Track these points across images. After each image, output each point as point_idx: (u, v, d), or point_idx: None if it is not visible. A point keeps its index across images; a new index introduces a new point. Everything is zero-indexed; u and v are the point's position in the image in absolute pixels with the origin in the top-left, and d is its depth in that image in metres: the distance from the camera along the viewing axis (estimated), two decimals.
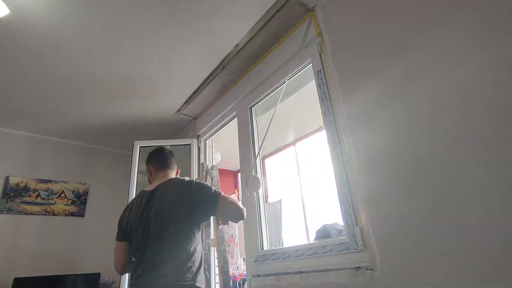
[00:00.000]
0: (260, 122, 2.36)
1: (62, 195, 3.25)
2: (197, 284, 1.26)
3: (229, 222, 1.70)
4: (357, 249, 1.35)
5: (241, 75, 2.46)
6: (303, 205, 3.28)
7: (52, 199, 3.18)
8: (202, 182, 1.47)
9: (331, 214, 2.45)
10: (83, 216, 3.29)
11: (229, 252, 3.34)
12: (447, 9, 1.20)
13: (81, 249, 3.08)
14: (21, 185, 3.03)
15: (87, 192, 3.40)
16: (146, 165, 1.61)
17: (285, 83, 2.00)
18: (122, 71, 2.37)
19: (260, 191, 2.08)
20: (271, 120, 2.01)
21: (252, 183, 2.06)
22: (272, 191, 3.63)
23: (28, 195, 3.04)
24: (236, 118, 2.48)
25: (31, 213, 3.01)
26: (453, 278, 1.03)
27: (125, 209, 1.53)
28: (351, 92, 1.53)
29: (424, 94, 1.22)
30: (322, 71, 1.72)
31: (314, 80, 1.79)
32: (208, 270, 1.77)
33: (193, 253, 1.30)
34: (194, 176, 2.81)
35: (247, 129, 2.29)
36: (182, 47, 2.15)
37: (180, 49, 2.17)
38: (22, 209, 2.97)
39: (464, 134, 1.08)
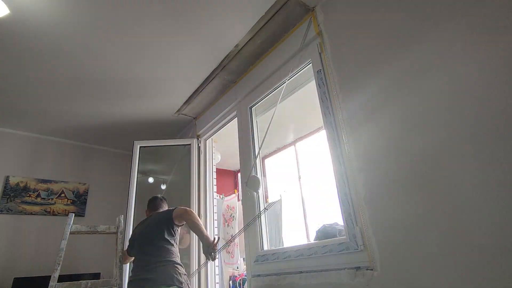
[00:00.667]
0: (260, 122, 2.36)
1: (62, 195, 3.25)
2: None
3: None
4: (357, 249, 1.35)
5: (241, 75, 2.46)
6: (303, 205, 3.28)
7: (52, 199, 3.18)
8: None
9: (331, 214, 2.45)
10: (83, 216, 3.29)
11: (229, 252, 3.34)
12: (447, 9, 1.20)
13: (81, 249, 3.07)
14: (21, 185, 3.03)
15: (87, 192, 3.40)
16: (146, 208, 2.22)
17: (285, 83, 2.00)
18: (122, 71, 2.38)
19: (260, 191, 2.08)
20: (271, 120, 2.01)
21: (252, 183, 2.06)
22: (272, 191, 3.63)
23: (28, 195, 3.04)
24: (236, 118, 2.48)
25: (31, 213, 3.01)
26: (453, 278, 1.03)
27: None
28: (351, 92, 1.53)
29: (424, 94, 1.22)
30: (322, 71, 1.72)
31: (314, 80, 1.79)
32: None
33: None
34: (195, 175, 2.80)
35: (247, 129, 2.29)
36: (182, 47, 2.15)
37: (180, 49, 2.17)
38: (22, 209, 2.97)
39: (464, 133, 1.08)
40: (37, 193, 3.10)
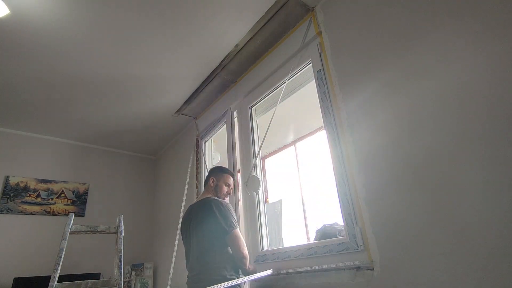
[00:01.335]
0: (260, 122, 2.36)
1: (62, 195, 3.25)
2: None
3: None
4: (357, 249, 1.35)
5: (241, 75, 2.46)
6: (303, 205, 3.27)
7: (52, 199, 3.17)
8: (220, 205, 1.69)
9: (331, 214, 2.45)
10: (83, 216, 3.29)
11: None
12: (447, 9, 1.20)
13: (81, 249, 3.07)
14: (21, 185, 3.03)
15: (87, 192, 3.40)
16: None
17: (285, 83, 2.00)
18: (122, 72, 2.38)
19: (260, 191, 2.08)
20: (271, 120, 2.01)
21: (252, 183, 2.06)
22: (272, 191, 3.63)
23: (28, 195, 3.04)
24: (236, 118, 2.48)
25: (31, 213, 3.01)
26: (453, 278, 1.02)
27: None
28: (351, 92, 1.53)
29: (424, 94, 1.22)
30: (322, 71, 1.72)
31: (314, 80, 1.79)
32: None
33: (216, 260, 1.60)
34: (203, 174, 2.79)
35: (247, 129, 2.29)
36: (182, 47, 2.15)
37: (180, 49, 2.17)
38: (22, 209, 2.97)
39: (464, 133, 1.08)
40: (37, 193, 3.10)
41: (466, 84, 1.10)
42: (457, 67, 1.14)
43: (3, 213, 2.87)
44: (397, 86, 1.33)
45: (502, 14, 1.05)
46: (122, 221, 2.10)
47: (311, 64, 1.85)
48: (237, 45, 2.16)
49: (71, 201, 3.28)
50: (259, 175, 2.08)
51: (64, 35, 1.97)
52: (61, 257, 1.77)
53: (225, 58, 2.29)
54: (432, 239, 1.10)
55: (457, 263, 1.02)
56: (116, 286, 1.87)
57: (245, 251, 1.60)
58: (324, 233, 1.80)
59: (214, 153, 3.00)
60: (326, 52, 1.72)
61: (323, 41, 1.75)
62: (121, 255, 1.97)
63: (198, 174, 2.87)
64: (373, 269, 1.26)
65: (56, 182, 3.24)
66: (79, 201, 3.33)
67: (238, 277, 1.57)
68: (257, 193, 2.08)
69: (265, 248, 1.94)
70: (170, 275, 2.54)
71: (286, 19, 1.95)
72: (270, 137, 2.33)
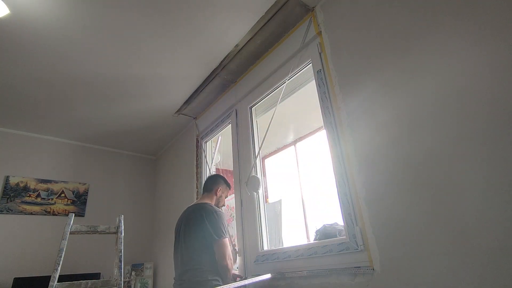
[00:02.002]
0: (260, 122, 2.36)
1: (62, 195, 3.25)
2: None
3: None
4: (357, 249, 1.35)
5: (241, 75, 2.46)
6: (303, 205, 3.27)
7: (52, 199, 3.17)
8: (219, 215, 1.74)
9: (331, 214, 2.44)
10: (83, 216, 3.29)
11: None
12: (447, 9, 1.20)
13: (81, 249, 3.07)
14: (21, 185, 3.03)
15: (87, 192, 3.40)
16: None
17: (285, 83, 2.00)
18: (122, 71, 2.38)
19: (260, 191, 2.08)
20: (271, 120, 2.01)
21: (252, 183, 2.06)
22: (272, 191, 3.63)
23: (28, 195, 3.04)
24: (236, 118, 2.48)
25: (31, 213, 3.01)
26: (453, 278, 1.02)
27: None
28: (351, 91, 1.53)
29: (424, 94, 1.22)
30: (322, 71, 1.72)
31: (314, 80, 1.79)
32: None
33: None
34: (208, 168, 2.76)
35: (247, 129, 2.29)
36: (182, 47, 2.15)
37: (180, 49, 2.17)
38: (22, 209, 2.97)
39: (464, 133, 1.08)
40: (37, 193, 3.10)
41: (466, 84, 1.10)
42: (457, 67, 1.14)
43: (3, 213, 2.87)
44: (397, 86, 1.33)
45: (502, 14, 1.05)
46: (122, 221, 2.10)
47: (311, 64, 1.85)
48: (237, 45, 2.16)
49: (71, 201, 3.28)
50: (259, 175, 2.08)
51: (64, 35, 1.97)
52: (61, 257, 1.77)
53: (225, 58, 2.29)
54: (432, 239, 1.10)
55: (457, 262, 1.02)
56: (116, 286, 1.87)
57: (229, 262, 1.62)
58: (324, 233, 1.80)
59: (214, 153, 3.00)
60: (326, 52, 1.72)
61: (323, 41, 1.75)
62: (121, 255, 1.97)
63: (198, 174, 2.87)
64: (373, 269, 1.26)
65: (56, 182, 3.24)
66: (79, 201, 3.33)
67: (223, 283, 1.59)
68: (257, 193, 2.08)
69: (265, 248, 1.94)
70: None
71: (286, 19, 1.95)
72: (270, 137, 2.33)
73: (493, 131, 1.01)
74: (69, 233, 1.91)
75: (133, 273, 3.21)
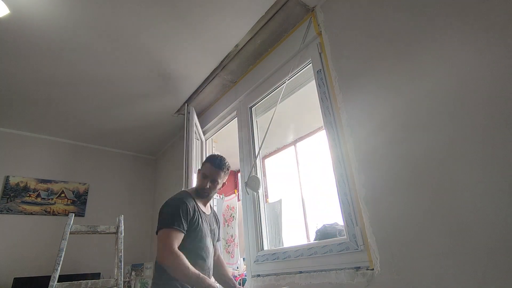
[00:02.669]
0: (260, 122, 2.36)
1: (62, 195, 3.25)
2: None
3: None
4: (357, 249, 1.35)
5: (241, 75, 2.46)
6: (303, 205, 3.27)
7: (52, 199, 3.18)
8: (167, 204, 1.44)
9: (331, 214, 2.45)
10: (83, 216, 3.29)
11: (228, 252, 3.34)
12: (447, 10, 1.20)
13: (81, 249, 3.07)
14: (21, 185, 3.03)
15: (87, 192, 3.40)
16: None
17: (285, 83, 2.00)
18: (122, 71, 2.38)
19: (260, 191, 2.08)
20: (271, 120, 2.01)
21: (252, 183, 2.06)
22: (272, 191, 3.63)
23: (28, 195, 3.04)
24: (236, 118, 2.48)
25: (31, 213, 3.01)
26: (453, 277, 1.03)
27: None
28: (351, 92, 1.53)
29: (424, 94, 1.22)
30: (322, 71, 1.72)
31: (314, 80, 1.79)
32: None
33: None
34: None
35: (247, 129, 2.29)
36: (182, 47, 2.15)
37: (180, 49, 2.17)
38: (22, 209, 2.97)
39: (464, 133, 1.08)
40: (37, 193, 3.10)
41: (466, 84, 1.10)
42: (457, 67, 1.14)
43: (3, 213, 2.87)
44: (397, 86, 1.33)
45: (500, 16, 1.05)
46: (122, 221, 2.10)
47: (311, 64, 1.85)
48: (237, 45, 2.16)
49: (71, 201, 3.28)
50: (259, 175, 2.08)
51: (64, 34, 1.97)
52: (61, 257, 1.78)
53: (225, 58, 2.29)
54: (432, 239, 1.10)
55: (457, 262, 1.02)
56: (116, 286, 1.87)
57: (166, 256, 1.26)
58: (324, 233, 1.81)
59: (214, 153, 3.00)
60: (326, 52, 1.72)
61: (323, 41, 1.75)
62: (121, 255, 1.98)
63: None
64: (373, 269, 1.26)
65: (56, 182, 3.24)
66: (79, 201, 3.33)
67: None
68: (257, 193, 2.08)
69: (265, 248, 1.94)
70: None
71: (286, 19, 1.95)
72: (270, 137, 2.34)
73: (492, 131, 1.01)
74: (69, 233, 1.91)
75: (133, 273, 3.21)
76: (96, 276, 2.96)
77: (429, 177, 1.15)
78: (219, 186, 1.58)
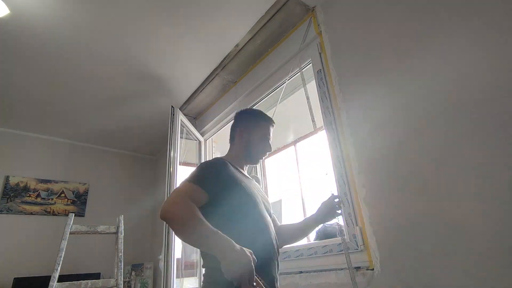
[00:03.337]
0: None
1: (62, 195, 3.25)
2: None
3: None
4: (357, 249, 1.35)
5: (241, 75, 2.46)
6: (303, 205, 3.27)
7: (52, 199, 3.18)
8: (201, 164, 1.14)
9: None
10: (83, 216, 3.29)
11: None
12: (447, 10, 1.20)
13: (81, 249, 3.07)
14: (21, 185, 3.03)
15: (87, 192, 3.40)
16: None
17: (285, 83, 2.00)
18: (122, 71, 2.38)
19: None
20: None
21: None
22: (272, 191, 3.63)
23: (28, 195, 3.04)
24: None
25: (31, 213, 3.01)
26: (453, 278, 1.02)
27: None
28: (351, 92, 1.53)
29: (424, 94, 1.22)
30: (322, 71, 1.72)
31: (314, 80, 1.79)
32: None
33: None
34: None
35: None
36: (182, 47, 2.15)
37: (180, 49, 2.17)
38: (22, 209, 2.97)
39: (464, 133, 1.08)
40: (37, 193, 3.10)
41: (466, 84, 1.10)
42: (457, 67, 1.14)
43: (3, 213, 2.87)
44: (397, 86, 1.33)
45: (502, 16, 1.05)
46: (122, 221, 2.11)
47: (311, 64, 1.84)
48: (237, 45, 2.16)
49: (71, 201, 3.28)
50: (259, 175, 2.08)
51: (64, 34, 1.97)
52: (61, 257, 1.78)
53: (225, 58, 2.29)
54: (432, 239, 1.10)
55: (457, 263, 1.02)
56: (116, 286, 1.87)
57: (171, 204, 0.92)
58: (324, 233, 1.81)
59: (214, 153, 3.00)
60: (326, 52, 1.72)
61: (323, 41, 1.75)
62: (121, 255, 1.98)
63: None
64: (373, 269, 1.26)
65: (56, 182, 3.24)
66: (79, 201, 3.33)
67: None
68: None
69: None
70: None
71: (286, 19, 1.95)
72: None
73: (492, 131, 1.01)
74: (69, 233, 1.91)
75: (133, 273, 3.21)
76: (96, 276, 2.96)
77: (429, 177, 1.15)
78: None
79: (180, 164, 2.45)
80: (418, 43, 1.28)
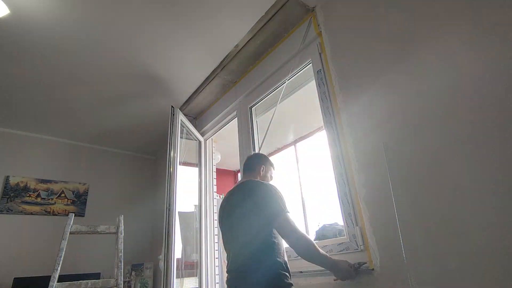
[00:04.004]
0: (260, 122, 2.36)
1: (62, 195, 3.25)
2: None
3: None
4: (357, 249, 1.35)
5: (241, 75, 2.46)
6: (303, 205, 3.27)
7: (52, 199, 3.18)
8: (269, 188, 1.35)
9: (331, 214, 2.44)
10: (83, 216, 3.29)
11: None
12: (447, 10, 1.20)
13: (81, 249, 3.07)
14: (21, 185, 3.03)
15: (87, 192, 3.40)
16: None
17: (285, 83, 2.00)
18: (122, 71, 2.38)
19: None
20: (271, 120, 2.01)
21: None
22: None
23: (28, 195, 3.04)
24: (236, 118, 2.48)
25: (31, 213, 3.01)
26: (453, 278, 1.03)
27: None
28: (351, 92, 1.53)
29: (424, 94, 1.22)
30: (322, 71, 1.72)
31: (314, 80, 1.79)
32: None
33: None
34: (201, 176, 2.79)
35: (247, 129, 2.29)
36: (182, 47, 2.15)
37: (180, 49, 2.18)
38: (22, 209, 2.97)
39: (464, 133, 1.08)
40: (37, 193, 3.10)
41: (466, 84, 1.10)
42: (457, 67, 1.14)
43: (3, 213, 2.87)
44: (397, 86, 1.33)
45: (501, 16, 1.05)
46: (122, 221, 2.11)
47: (311, 64, 1.85)
48: (237, 45, 2.17)
49: (71, 201, 3.28)
50: None
51: (64, 34, 1.97)
52: (61, 257, 1.78)
53: (225, 58, 2.29)
54: (432, 239, 1.10)
55: (457, 263, 1.02)
56: (116, 286, 1.87)
57: (301, 239, 1.23)
58: (324, 233, 1.80)
59: (214, 153, 3.00)
60: (326, 52, 1.72)
61: (323, 41, 1.75)
62: (121, 255, 1.98)
63: (199, 173, 2.87)
64: (373, 269, 1.26)
65: (56, 182, 3.24)
66: (79, 201, 3.33)
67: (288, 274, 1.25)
68: None
69: None
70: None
71: (286, 19, 1.95)
72: (270, 137, 2.33)
73: (492, 131, 1.01)
74: (69, 233, 1.91)
75: (133, 273, 3.21)
76: (96, 276, 2.96)
77: (429, 177, 1.15)
78: None
79: (180, 164, 2.45)
80: (418, 43, 1.28)
